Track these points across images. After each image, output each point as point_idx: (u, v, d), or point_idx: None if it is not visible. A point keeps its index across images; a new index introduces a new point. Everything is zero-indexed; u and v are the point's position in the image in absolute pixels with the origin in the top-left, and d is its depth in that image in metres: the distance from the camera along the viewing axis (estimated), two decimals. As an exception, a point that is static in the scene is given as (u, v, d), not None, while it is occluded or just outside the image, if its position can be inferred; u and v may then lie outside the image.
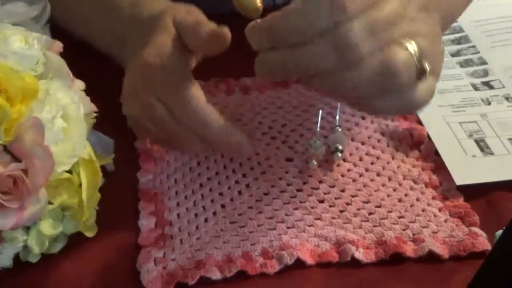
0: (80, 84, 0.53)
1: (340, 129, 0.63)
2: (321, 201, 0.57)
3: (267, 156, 0.62)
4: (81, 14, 0.69)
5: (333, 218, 0.55)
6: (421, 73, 0.44)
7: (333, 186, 0.58)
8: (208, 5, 0.76)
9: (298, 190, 0.58)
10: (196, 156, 0.62)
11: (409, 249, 0.52)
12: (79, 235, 0.53)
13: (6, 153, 0.47)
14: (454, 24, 0.79)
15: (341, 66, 0.43)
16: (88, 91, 0.54)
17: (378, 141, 0.63)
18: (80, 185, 0.51)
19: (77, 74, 0.53)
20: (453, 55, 0.74)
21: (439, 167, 0.59)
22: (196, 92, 0.55)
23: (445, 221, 0.54)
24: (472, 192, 0.56)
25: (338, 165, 0.60)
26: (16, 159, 0.47)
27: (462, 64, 0.73)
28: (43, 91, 0.48)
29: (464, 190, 0.57)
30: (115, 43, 0.63)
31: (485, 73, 0.71)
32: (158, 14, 0.60)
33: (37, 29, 0.57)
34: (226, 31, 0.54)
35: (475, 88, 0.69)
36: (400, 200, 0.57)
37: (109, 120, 0.58)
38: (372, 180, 0.59)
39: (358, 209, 0.55)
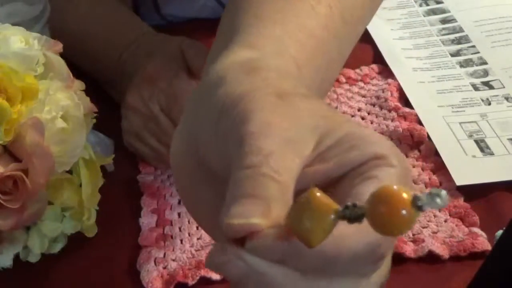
0: (80, 84, 0.53)
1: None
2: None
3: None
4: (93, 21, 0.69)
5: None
6: None
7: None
8: (207, 13, 0.78)
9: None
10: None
11: (409, 249, 0.52)
12: (79, 235, 0.53)
13: (6, 153, 0.47)
14: (454, 24, 0.79)
15: None
16: (88, 91, 0.54)
17: (378, 141, 0.63)
18: (80, 185, 0.51)
19: (77, 74, 0.53)
20: (453, 55, 0.74)
21: (439, 167, 0.59)
22: None
23: (445, 221, 0.54)
24: (472, 192, 0.56)
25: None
26: (16, 159, 0.47)
27: (462, 64, 0.73)
28: (43, 91, 0.48)
29: (464, 190, 0.57)
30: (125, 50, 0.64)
31: (485, 73, 0.71)
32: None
33: (37, 29, 0.56)
34: None
35: (475, 88, 0.69)
36: (400, 200, 0.56)
37: (109, 120, 0.58)
38: (372, 180, 0.59)
39: (358, 209, 0.55)
